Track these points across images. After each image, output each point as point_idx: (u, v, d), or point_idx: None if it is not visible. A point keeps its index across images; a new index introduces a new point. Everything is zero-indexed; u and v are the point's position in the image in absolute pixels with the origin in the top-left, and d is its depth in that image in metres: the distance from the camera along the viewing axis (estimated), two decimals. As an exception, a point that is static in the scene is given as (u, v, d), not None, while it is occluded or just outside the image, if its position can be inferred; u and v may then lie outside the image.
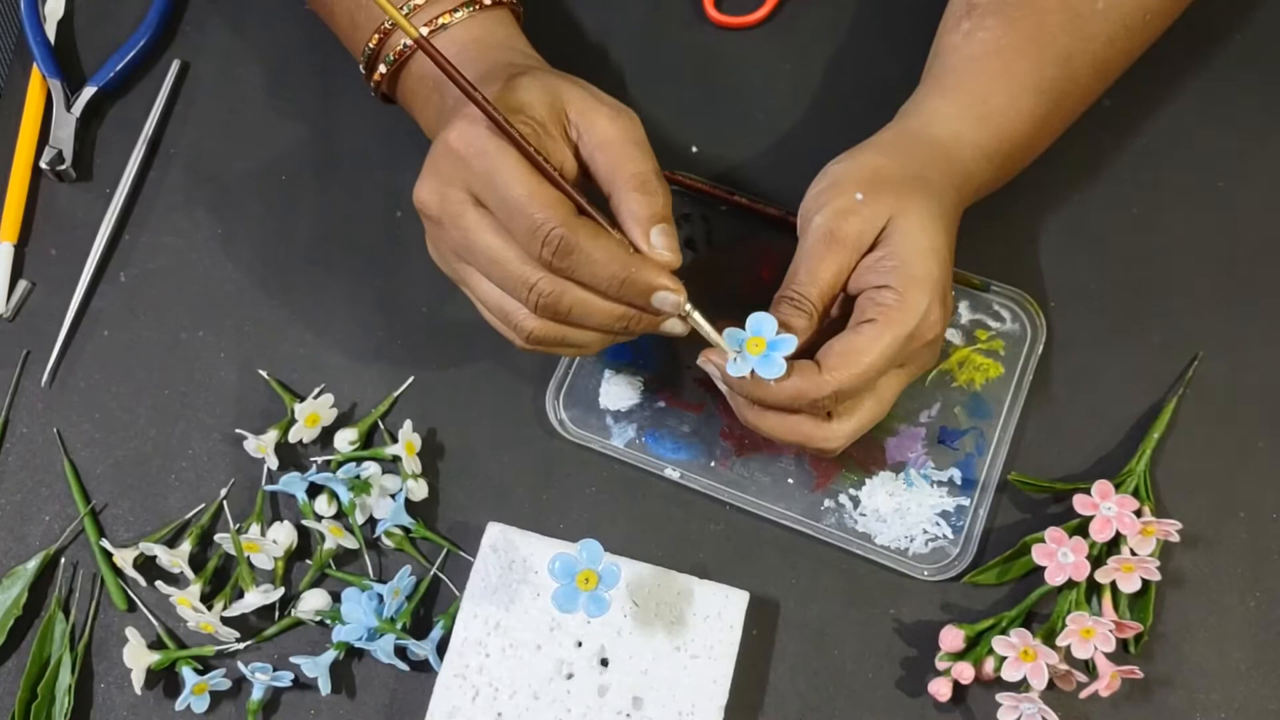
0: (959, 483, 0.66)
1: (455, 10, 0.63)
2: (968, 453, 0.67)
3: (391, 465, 0.68)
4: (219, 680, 0.63)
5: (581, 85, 0.59)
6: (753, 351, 0.57)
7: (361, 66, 0.66)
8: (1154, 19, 0.66)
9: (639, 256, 0.56)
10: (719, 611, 0.63)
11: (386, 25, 0.64)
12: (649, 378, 0.69)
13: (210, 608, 0.64)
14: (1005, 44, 0.63)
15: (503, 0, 0.65)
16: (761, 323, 0.57)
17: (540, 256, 0.55)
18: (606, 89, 0.75)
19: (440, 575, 0.66)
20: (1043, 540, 0.62)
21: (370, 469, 0.66)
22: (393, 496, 0.66)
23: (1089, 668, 0.62)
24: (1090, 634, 0.60)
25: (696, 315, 0.58)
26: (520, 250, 0.56)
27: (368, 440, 0.69)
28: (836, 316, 0.60)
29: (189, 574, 0.65)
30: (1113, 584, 0.62)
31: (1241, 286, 0.70)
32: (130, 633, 0.64)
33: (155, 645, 0.65)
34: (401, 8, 0.63)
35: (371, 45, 0.64)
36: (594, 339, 0.59)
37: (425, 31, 0.62)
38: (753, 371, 0.57)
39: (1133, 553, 0.62)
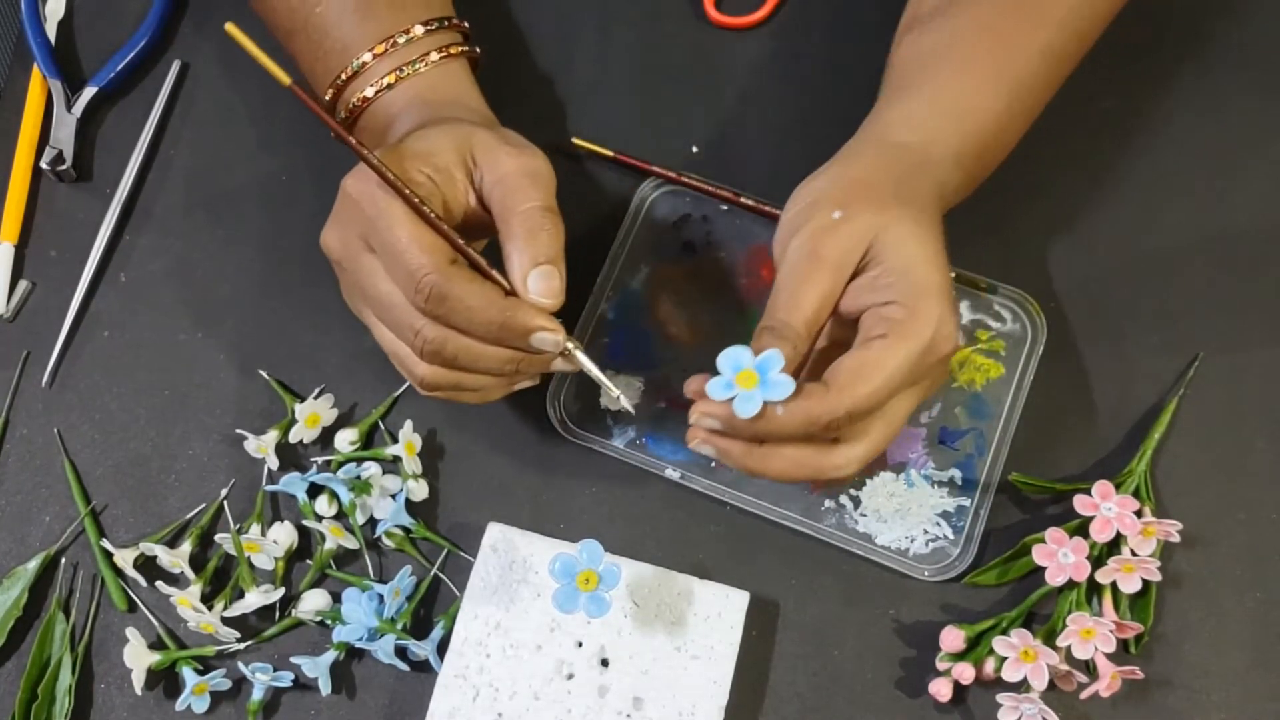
0: (959, 483, 0.66)
1: (401, 69, 0.63)
2: (968, 453, 0.67)
3: (392, 465, 0.68)
4: (219, 680, 0.63)
5: (496, 130, 0.59)
6: (748, 385, 0.53)
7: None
8: (1099, 2, 0.64)
9: (514, 300, 0.56)
10: (719, 612, 0.63)
11: (339, 81, 0.64)
12: (649, 378, 0.69)
13: (210, 608, 0.64)
14: (952, 42, 0.63)
15: (452, 53, 0.64)
16: (738, 355, 0.53)
17: (416, 304, 0.55)
18: (607, 89, 0.75)
19: (440, 575, 0.66)
20: (1043, 541, 0.62)
21: (370, 469, 0.66)
22: (393, 497, 0.66)
23: (1089, 668, 0.62)
24: (1090, 634, 0.60)
25: (580, 354, 0.57)
26: (406, 297, 0.56)
27: (368, 440, 0.69)
28: (825, 347, 0.58)
29: (189, 574, 0.65)
30: (1113, 584, 0.62)
31: (1241, 286, 0.70)
32: (130, 633, 0.64)
33: (155, 645, 0.65)
34: (351, 65, 0.63)
35: (327, 99, 0.65)
36: (489, 383, 0.59)
37: (371, 92, 0.63)
38: (764, 402, 0.52)
39: (1133, 553, 0.62)
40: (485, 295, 0.55)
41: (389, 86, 0.63)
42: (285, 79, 0.55)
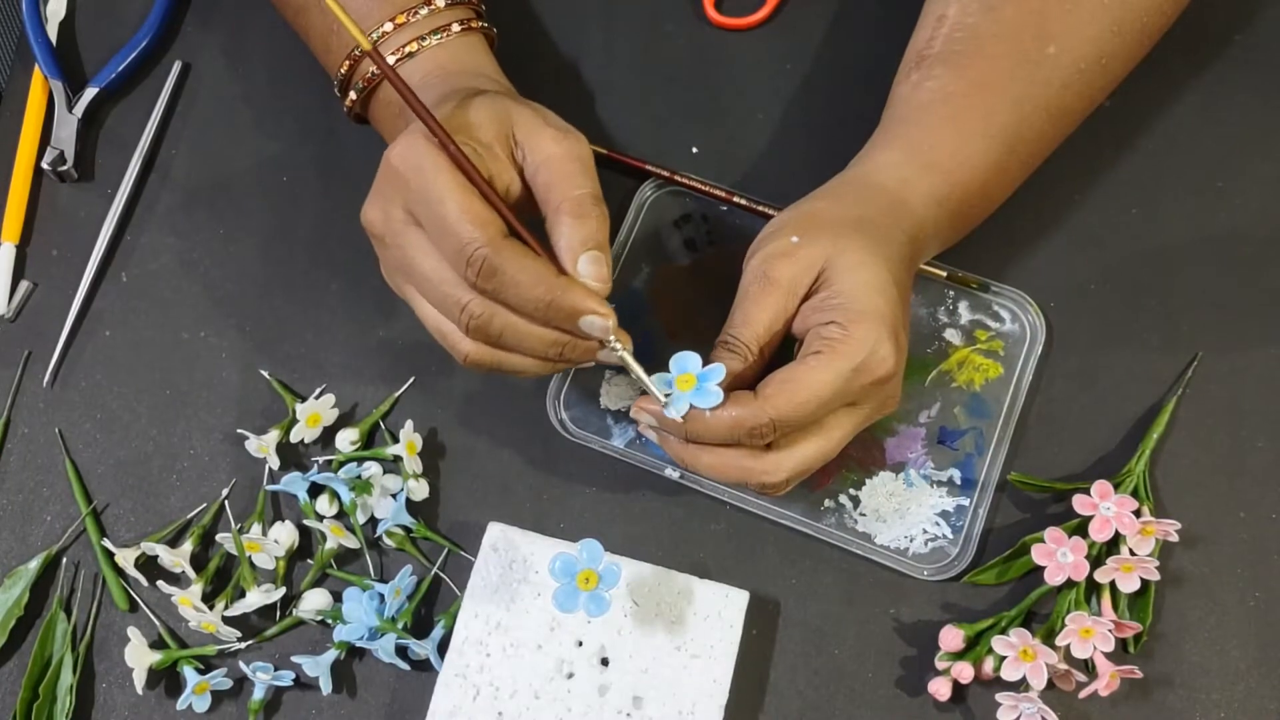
0: (959, 483, 0.66)
1: (423, 38, 0.63)
2: (967, 453, 0.67)
3: (392, 465, 0.68)
4: (220, 680, 0.63)
5: (533, 108, 0.58)
6: (684, 388, 0.57)
7: (336, 90, 0.67)
8: (1110, 63, 0.65)
9: (566, 280, 0.55)
10: (719, 611, 0.63)
11: (356, 52, 0.64)
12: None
13: (212, 607, 0.64)
14: (953, 91, 0.63)
15: (472, 26, 0.65)
16: (685, 360, 0.57)
17: (467, 277, 0.54)
18: (607, 89, 0.75)
19: (441, 575, 0.66)
20: (1042, 540, 0.63)
21: (371, 469, 0.66)
22: (394, 496, 0.66)
23: (1088, 667, 0.62)
24: (1089, 634, 0.60)
25: (622, 350, 0.57)
26: (454, 271, 0.55)
27: (369, 440, 0.69)
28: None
29: (190, 574, 0.65)
30: (1112, 584, 0.62)
31: (1241, 286, 0.70)
32: (132, 632, 0.64)
33: (157, 645, 0.66)
34: (370, 35, 0.63)
35: (343, 71, 0.65)
36: (531, 365, 0.58)
37: (393, 59, 0.62)
38: (690, 406, 0.56)
39: (1132, 552, 0.63)
40: (537, 271, 0.54)
41: (410, 55, 0.63)
42: (366, 43, 0.55)
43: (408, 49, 0.63)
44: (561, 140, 0.57)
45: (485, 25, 0.66)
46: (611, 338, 0.56)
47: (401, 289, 0.59)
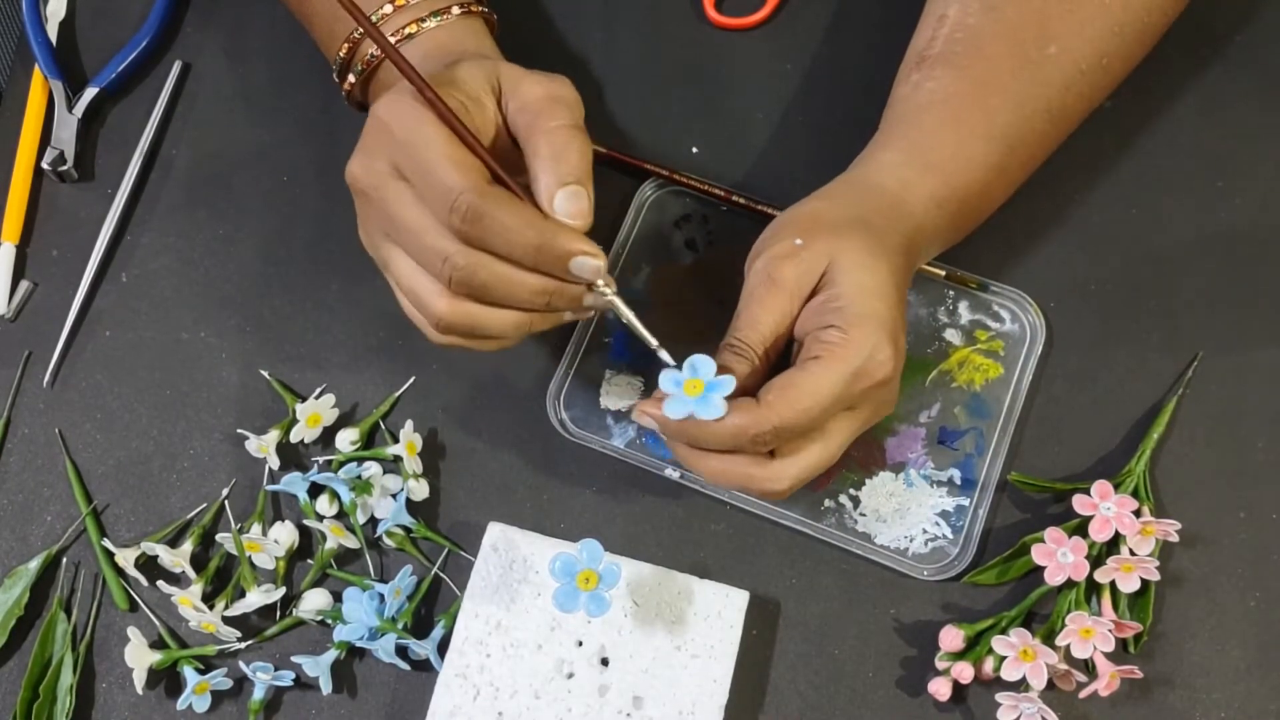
0: (959, 483, 0.66)
1: (423, 20, 0.63)
2: (967, 453, 0.67)
3: (393, 465, 0.68)
4: (220, 680, 0.63)
5: (522, 68, 0.58)
6: (690, 393, 0.56)
7: (335, 75, 0.67)
8: (1112, 63, 0.64)
9: (554, 223, 0.54)
10: (719, 611, 0.63)
11: (356, 35, 0.64)
12: (650, 378, 0.69)
13: (212, 607, 0.64)
14: (954, 92, 0.62)
15: (472, 10, 0.64)
16: (698, 364, 0.56)
17: (452, 224, 0.53)
18: (607, 89, 0.76)
19: (441, 575, 0.66)
20: (1042, 540, 0.63)
21: (371, 469, 0.66)
22: (394, 496, 0.66)
23: (1088, 667, 0.62)
24: (1090, 634, 0.60)
25: (610, 293, 0.56)
26: (437, 222, 0.54)
27: (369, 440, 0.69)
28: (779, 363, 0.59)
29: (190, 574, 0.66)
30: (1112, 584, 0.62)
31: (1241, 286, 0.70)
32: (132, 632, 0.64)
33: (157, 645, 0.66)
34: (371, 16, 0.62)
35: (342, 54, 0.65)
36: (509, 324, 0.57)
37: (392, 40, 0.62)
38: (691, 414, 0.56)
39: (1132, 553, 0.63)
40: (523, 216, 0.54)
41: (409, 37, 0.63)
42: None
43: (407, 30, 0.63)
44: (542, 81, 0.56)
45: (485, 10, 0.66)
46: (600, 281, 0.55)
47: (380, 248, 0.58)
